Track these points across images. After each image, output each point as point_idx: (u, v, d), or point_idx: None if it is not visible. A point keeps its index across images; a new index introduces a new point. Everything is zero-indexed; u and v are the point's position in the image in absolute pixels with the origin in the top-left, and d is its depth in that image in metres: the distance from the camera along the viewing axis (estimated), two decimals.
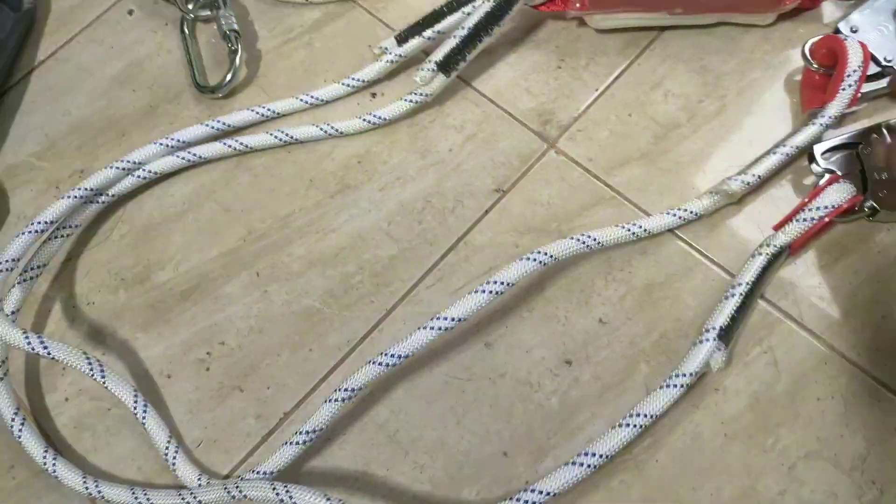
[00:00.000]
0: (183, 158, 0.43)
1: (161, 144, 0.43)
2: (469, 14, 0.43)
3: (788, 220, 0.38)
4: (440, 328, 0.35)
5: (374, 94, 0.46)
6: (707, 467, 0.35)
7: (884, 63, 0.41)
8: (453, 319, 0.35)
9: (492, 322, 0.39)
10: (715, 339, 0.35)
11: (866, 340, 0.37)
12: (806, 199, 0.38)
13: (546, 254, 0.37)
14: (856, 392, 0.36)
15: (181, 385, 0.39)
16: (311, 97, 0.45)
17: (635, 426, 0.34)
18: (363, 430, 0.37)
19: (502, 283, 0.36)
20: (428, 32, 0.44)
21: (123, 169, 0.42)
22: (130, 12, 0.51)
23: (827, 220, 0.37)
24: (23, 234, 0.39)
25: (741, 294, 0.36)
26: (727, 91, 0.43)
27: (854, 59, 0.39)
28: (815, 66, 0.41)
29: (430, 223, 0.42)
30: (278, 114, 0.45)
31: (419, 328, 0.35)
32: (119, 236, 0.43)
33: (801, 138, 0.39)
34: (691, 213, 0.39)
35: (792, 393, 0.36)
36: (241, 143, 0.44)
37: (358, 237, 0.42)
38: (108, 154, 0.45)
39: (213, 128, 0.44)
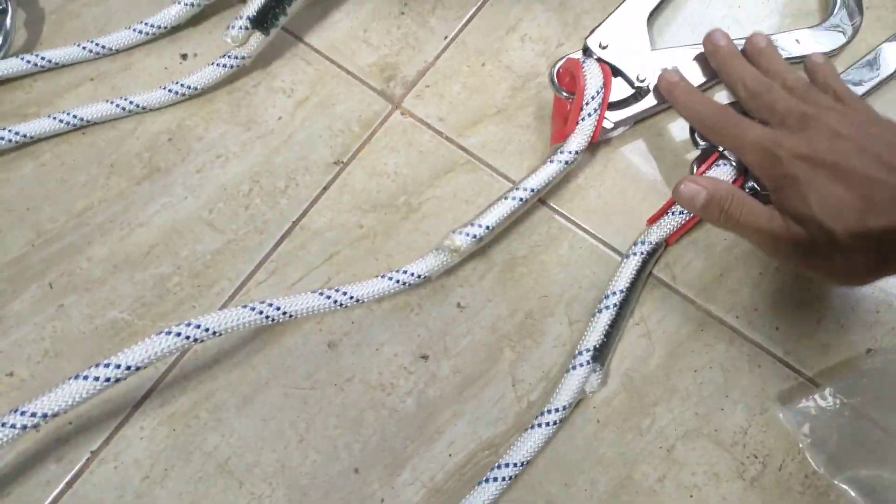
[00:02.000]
0: None
1: None
2: None
3: (663, 213, 0.33)
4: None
5: (184, 56, 0.38)
6: (579, 459, 0.31)
7: (636, 83, 0.35)
8: (282, 312, 0.30)
9: (335, 318, 0.34)
10: (589, 363, 0.31)
11: (743, 300, 0.34)
12: None
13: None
14: (734, 359, 0.33)
15: None
16: (98, 45, 0.37)
17: (504, 479, 0.30)
18: (189, 460, 0.32)
19: (281, 311, 0.30)
20: None
21: None
22: None
23: None
24: None
25: (615, 305, 0.32)
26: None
27: (591, 83, 0.33)
28: (564, 93, 0.35)
29: (258, 207, 0.36)
30: (56, 63, 0.37)
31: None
32: None
33: (536, 181, 0.33)
34: (413, 275, 0.32)
35: (667, 367, 0.33)
36: (18, 134, 0.36)
37: (173, 231, 0.35)
38: None
39: None
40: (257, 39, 0.36)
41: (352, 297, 0.31)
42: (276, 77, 0.38)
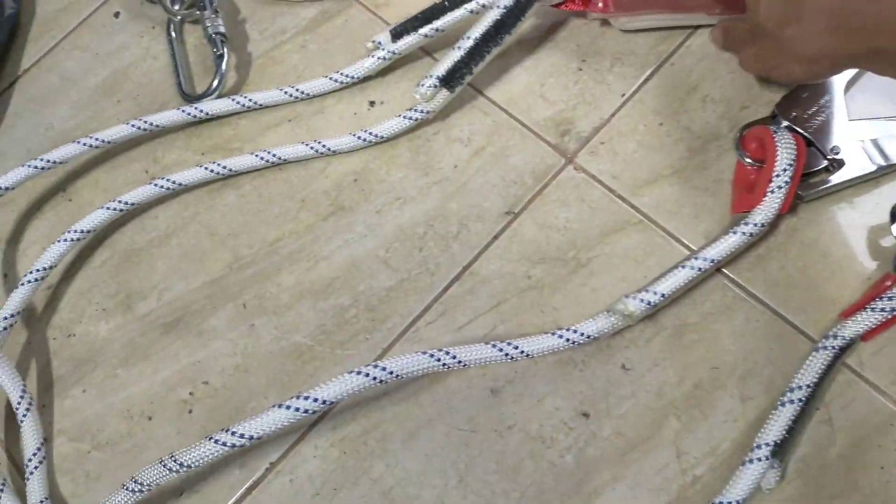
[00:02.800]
0: (163, 188, 0.40)
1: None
2: (474, 12, 0.38)
3: (861, 306, 0.31)
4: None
5: (372, 103, 0.42)
6: None
7: (829, 155, 0.34)
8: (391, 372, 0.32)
9: (499, 365, 0.35)
10: (768, 458, 0.30)
11: None
12: (888, 282, 0.31)
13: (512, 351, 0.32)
14: None
15: (162, 428, 0.37)
16: (297, 90, 0.41)
17: None
18: (356, 483, 0.34)
19: (457, 360, 0.32)
20: (425, 29, 0.39)
21: (111, 209, 0.40)
22: (116, 15, 0.48)
23: None
24: (23, 284, 0.38)
25: (800, 400, 0.30)
26: (775, 96, 0.37)
27: (784, 154, 0.32)
28: (748, 160, 0.34)
29: (431, 250, 0.38)
30: (259, 105, 0.42)
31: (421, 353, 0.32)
32: (101, 262, 0.41)
33: (717, 251, 0.32)
34: (583, 335, 0.32)
35: (850, 458, 0.31)
36: (226, 168, 0.40)
37: (352, 266, 0.38)
38: (92, 175, 0.43)
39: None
40: (443, 97, 0.39)
41: (522, 351, 0.32)
42: (455, 127, 0.40)
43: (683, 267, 0.33)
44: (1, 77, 0.47)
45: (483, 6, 0.38)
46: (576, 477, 0.33)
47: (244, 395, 0.37)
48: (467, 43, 0.38)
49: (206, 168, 0.40)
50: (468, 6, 0.38)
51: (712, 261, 0.32)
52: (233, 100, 0.42)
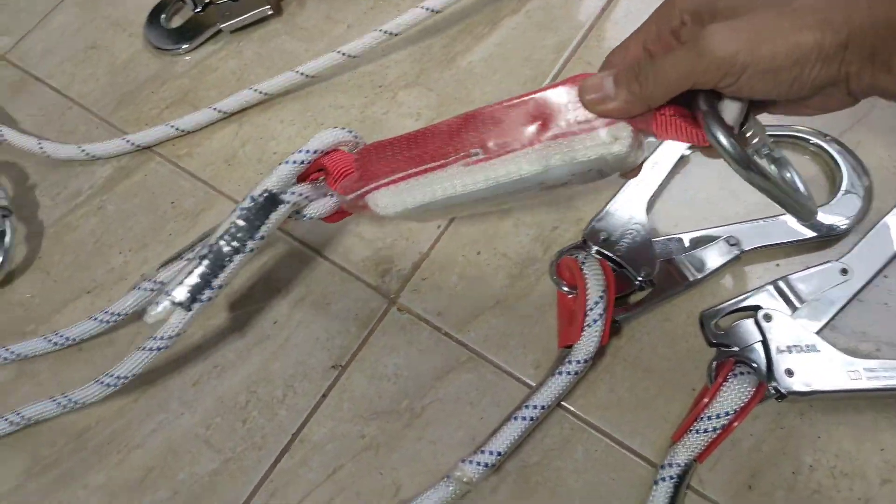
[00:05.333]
0: None
1: None
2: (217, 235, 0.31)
3: (685, 429, 0.32)
4: None
5: None
6: None
7: (640, 276, 0.35)
8: None
9: None
10: None
11: None
12: (705, 399, 0.31)
13: None
14: None
15: None
16: (60, 336, 0.37)
17: None
18: None
19: None
20: (190, 255, 0.34)
21: None
22: None
23: (735, 424, 0.31)
24: None
25: (672, 478, 0.31)
26: (583, 213, 0.39)
27: (593, 286, 0.33)
28: (565, 289, 0.36)
29: (256, 420, 0.36)
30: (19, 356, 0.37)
31: None
32: None
33: (546, 397, 0.33)
34: None
35: None
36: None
37: (170, 450, 0.36)
38: None
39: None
40: (181, 317, 0.32)
41: None
42: (271, 277, 0.39)
43: (515, 419, 0.33)
44: None
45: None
46: None
47: None
48: (204, 252, 0.32)
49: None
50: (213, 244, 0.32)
51: (542, 407, 0.33)
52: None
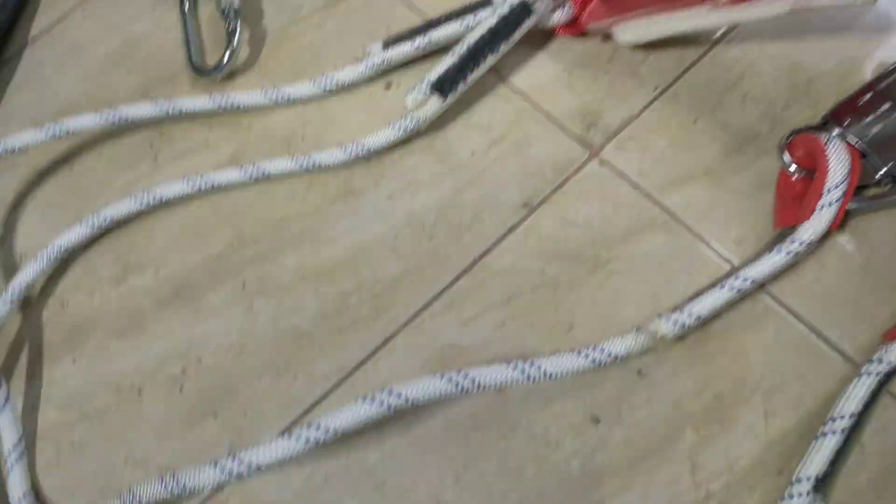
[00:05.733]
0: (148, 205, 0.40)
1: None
2: (470, 27, 0.38)
3: None
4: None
5: (388, 85, 0.41)
6: None
7: (885, 170, 0.32)
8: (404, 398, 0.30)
9: None
10: (809, 494, 0.29)
11: None
12: None
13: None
14: None
15: (152, 404, 0.36)
16: (279, 93, 0.41)
17: None
18: (347, 472, 0.33)
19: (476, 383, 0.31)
20: (420, 41, 0.39)
21: (138, 200, 0.39)
22: None
23: None
24: (36, 260, 0.38)
25: (843, 431, 0.29)
26: (820, 97, 0.36)
27: (837, 169, 0.31)
28: (794, 169, 0.33)
29: (442, 240, 0.37)
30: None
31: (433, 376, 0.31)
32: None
33: (759, 271, 0.31)
34: (610, 355, 0.32)
35: (881, 485, 0.30)
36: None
37: (359, 251, 0.38)
38: (97, 144, 0.43)
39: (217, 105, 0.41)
40: (435, 105, 0.37)
41: (545, 372, 0.31)
42: (474, 113, 0.40)
43: (723, 287, 0.32)
44: (10, 44, 0.47)
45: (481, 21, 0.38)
46: (581, 483, 0.32)
47: (237, 376, 0.36)
48: (461, 49, 0.37)
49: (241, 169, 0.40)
50: (465, 20, 0.38)
51: (754, 282, 0.32)
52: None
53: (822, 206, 0.31)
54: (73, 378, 0.37)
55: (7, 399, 0.36)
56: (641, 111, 0.38)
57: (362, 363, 0.36)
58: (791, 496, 0.29)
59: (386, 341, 0.36)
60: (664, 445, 0.32)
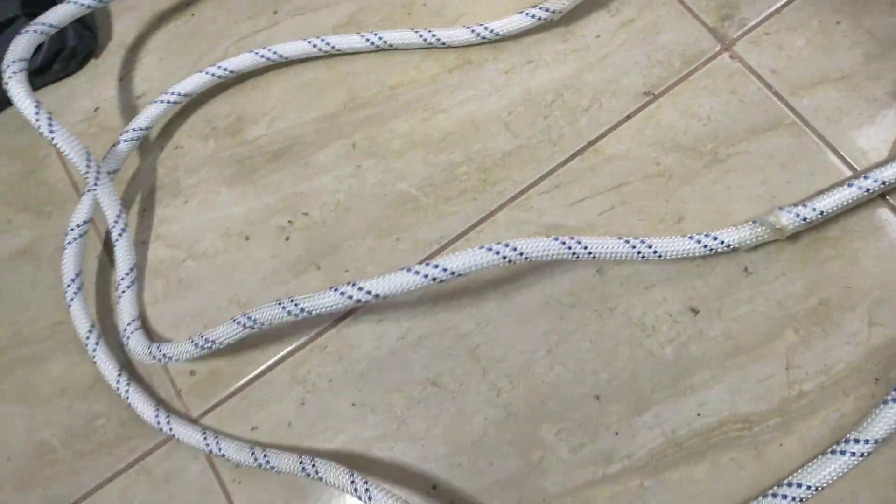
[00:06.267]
0: (270, 59, 0.40)
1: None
2: None
3: None
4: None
5: None
6: None
7: None
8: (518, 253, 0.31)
9: None
10: None
11: None
12: None
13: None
14: None
15: (258, 251, 0.38)
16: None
17: (791, 498, 0.28)
18: (443, 336, 0.35)
19: (588, 251, 0.31)
20: None
21: (258, 55, 0.40)
22: None
23: None
24: (156, 102, 0.40)
25: None
26: None
27: None
28: None
29: (557, 120, 0.37)
30: None
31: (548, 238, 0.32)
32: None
33: (890, 173, 0.31)
34: (723, 244, 0.32)
35: None
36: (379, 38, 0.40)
37: (471, 123, 0.38)
38: None
39: None
40: None
41: (656, 252, 0.32)
42: None
43: (850, 185, 0.31)
44: None
45: None
46: (673, 370, 0.33)
47: (342, 233, 0.38)
48: None
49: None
50: None
51: (884, 183, 0.31)
52: None
53: None
54: (184, 220, 0.40)
55: (125, 228, 0.39)
56: (783, 7, 0.37)
57: (465, 233, 0.37)
58: (886, 402, 0.29)
59: (490, 214, 0.37)
60: (762, 343, 0.32)
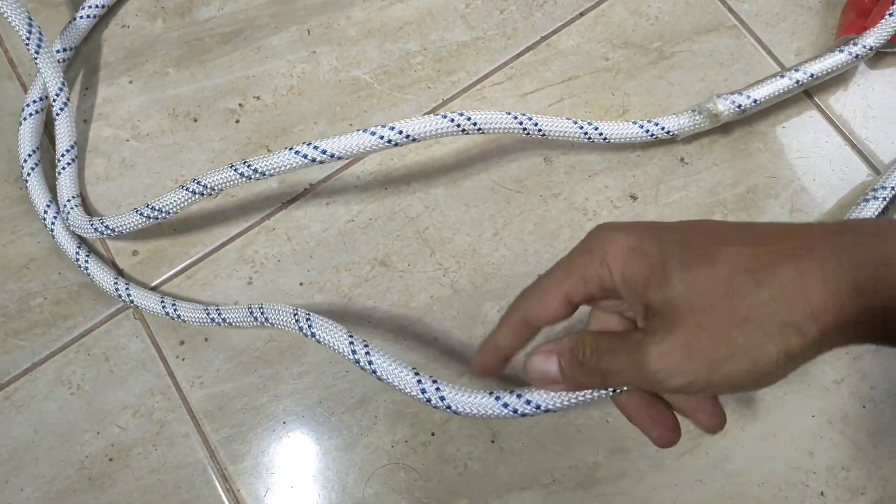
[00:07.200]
0: None
1: None
2: None
3: None
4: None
5: None
6: None
7: None
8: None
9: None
10: None
11: None
12: None
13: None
14: None
15: (207, 132, 0.38)
16: None
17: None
18: (391, 218, 0.36)
19: (539, 129, 0.32)
20: None
21: None
22: None
23: None
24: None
25: (885, 199, 0.32)
26: None
27: None
28: None
29: (512, 14, 0.38)
30: None
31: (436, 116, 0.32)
32: None
33: (819, 67, 0.33)
34: (663, 129, 0.34)
35: None
36: None
37: (428, 14, 0.39)
38: None
39: None
40: None
41: (602, 135, 0.33)
42: None
43: (782, 77, 0.33)
44: None
45: None
46: None
47: (293, 117, 0.38)
48: None
49: None
50: None
51: (812, 76, 0.33)
52: None
53: (892, 13, 0.32)
54: (128, 99, 0.39)
55: (66, 103, 0.37)
56: None
57: None
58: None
59: (444, 103, 0.37)
60: None
